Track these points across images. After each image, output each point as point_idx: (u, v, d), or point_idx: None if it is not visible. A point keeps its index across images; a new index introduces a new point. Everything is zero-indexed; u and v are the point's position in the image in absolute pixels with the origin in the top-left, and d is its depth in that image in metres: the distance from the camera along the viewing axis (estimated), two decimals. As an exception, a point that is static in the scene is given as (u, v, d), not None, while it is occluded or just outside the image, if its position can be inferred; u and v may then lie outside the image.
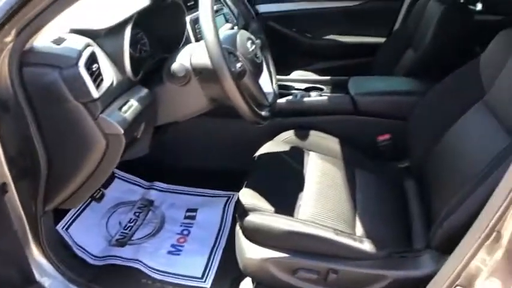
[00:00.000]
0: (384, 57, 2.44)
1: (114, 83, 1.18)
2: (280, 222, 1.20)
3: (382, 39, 2.71)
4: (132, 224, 1.73)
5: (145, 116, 1.30)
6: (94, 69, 1.09)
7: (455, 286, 0.85)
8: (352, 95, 1.80)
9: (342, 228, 1.23)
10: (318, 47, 2.82)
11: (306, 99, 1.82)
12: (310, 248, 1.19)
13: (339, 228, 1.23)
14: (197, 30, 1.80)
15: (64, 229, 1.61)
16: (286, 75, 2.36)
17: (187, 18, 1.71)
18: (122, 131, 1.13)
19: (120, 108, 1.17)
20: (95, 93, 1.06)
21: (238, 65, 1.29)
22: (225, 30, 1.59)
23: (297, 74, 2.47)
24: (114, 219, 1.75)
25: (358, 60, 2.77)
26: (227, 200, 1.89)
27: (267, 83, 1.54)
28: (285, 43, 2.83)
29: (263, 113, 1.36)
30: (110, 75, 1.17)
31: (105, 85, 1.13)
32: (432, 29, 1.93)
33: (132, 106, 1.22)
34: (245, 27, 1.62)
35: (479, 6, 2.50)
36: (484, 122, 1.25)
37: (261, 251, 1.18)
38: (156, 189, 1.93)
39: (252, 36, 1.45)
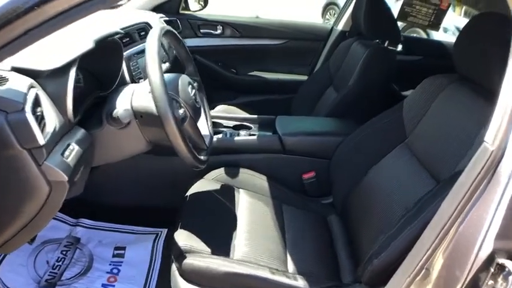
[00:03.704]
0: (306, 95, 2.59)
1: (57, 126, 1.15)
2: (218, 264, 1.25)
3: (303, 77, 2.91)
4: (60, 263, 1.68)
5: (84, 159, 1.29)
6: (38, 113, 1.06)
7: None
8: (280, 135, 1.90)
9: (275, 266, 1.31)
10: (242, 82, 2.93)
11: (236, 138, 1.90)
12: (247, 287, 1.24)
13: (273, 266, 1.30)
14: (132, 68, 1.81)
15: (-8, 271, 1.52)
16: (211, 108, 2.42)
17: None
18: (67, 178, 1.11)
19: (62, 153, 1.14)
20: (41, 140, 1.03)
21: (181, 111, 1.33)
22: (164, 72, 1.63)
23: (221, 109, 2.55)
24: (41, 258, 1.69)
25: (280, 96, 2.93)
26: (156, 237, 1.90)
27: (203, 125, 1.59)
28: (211, 77, 2.90)
29: (202, 157, 1.40)
30: (52, 118, 1.14)
31: (49, 130, 1.10)
32: (357, 70, 2.09)
33: (73, 150, 1.19)
34: (181, 68, 1.66)
35: (399, 47, 2.75)
36: (407, 163, 1.34)
37: None
38: (83, 226, 1.88)
39: (191, 80, 1.50)
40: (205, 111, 1.65)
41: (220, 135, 1.91)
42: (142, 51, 1.84)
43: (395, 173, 1.37)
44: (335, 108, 2.16)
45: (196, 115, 1.44)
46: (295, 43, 2.90)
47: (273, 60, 2.97)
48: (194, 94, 1.45)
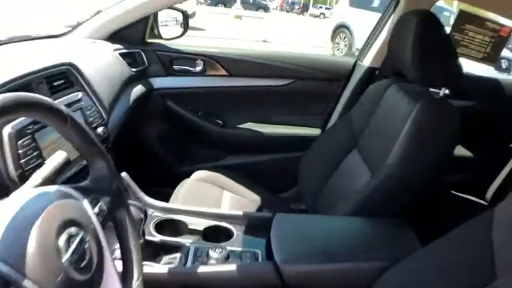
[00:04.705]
0: (318, 159, 1.75)
1: None
2: None
3: (315, 132, 2.12)
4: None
5: None
6: None
7: None
8: (277, 263, 1.09)
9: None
10: (231, 138, 2.13)
11: (200, 269, 1.09)
12: None
13: None
14: (21, 151, 1.01)
15: None
16: (186, 174, 1.76)
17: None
18: None
19: None
20: None
21: None
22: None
23: (200, 176, 1.80)
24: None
25: (282, 157, 2.13)
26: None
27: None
28: (188, 130, 2.12)
29: None
30: None
31: None
32: (403, 138, 1.24)
33: None
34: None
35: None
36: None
37: None
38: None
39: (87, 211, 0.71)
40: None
41: (173, 264, 1.12)
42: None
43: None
44: (365, 200, 1.30)
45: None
46: (305, 84, 2.10)
47: (274, 108, 2.18)
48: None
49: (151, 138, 2.10)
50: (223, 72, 2.05)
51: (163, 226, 1.30)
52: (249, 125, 2.15)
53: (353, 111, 1.63)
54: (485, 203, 2.21)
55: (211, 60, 2.04)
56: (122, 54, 1.79)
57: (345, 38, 10.30)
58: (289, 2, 31.25)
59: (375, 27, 2.05)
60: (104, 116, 1.39)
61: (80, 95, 1.30)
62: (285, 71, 2.06)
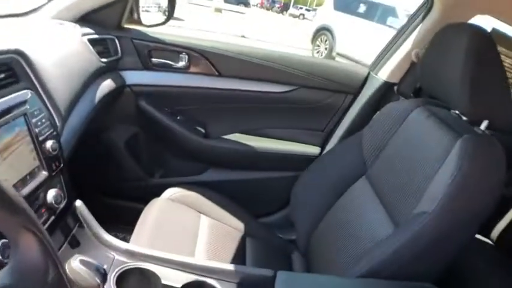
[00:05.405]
0: (318, 183, 1.46)
1: None
2: None
3: (314, 150, 1.83)
4: None
5: None
6: None
7: None
8: None
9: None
10: (214, 150, 1.78)
11: None
12: None
13: None
14: None
15: None
16: (161, 188, 1.53)
17: None
18: None
19: None
20: None
21: None
22: None
23: (174, 193, 1.53)
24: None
25: (274, 176, 1.81)
26: None
27: None
28: (162, 137, 1.77)
29: None
30: None
31: None
32: (445, 190, 0.95)
33: None
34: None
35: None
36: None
37: None
38: None
39: None
40: None
41: None
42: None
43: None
44: (387, 261, 0.98)
45: None
46: (306, 93, 1.77)
47: (267, 119, 1.84)
48: None
49: (119, 144, 1.74)
50: (212, 70, 1.70)
51: (127, 277, 0.96)
52: (236, 137, 1.81)
53: (365, 131, 1.36)
54: (491, 242, 1.99)
55: (199, 55, 1.68)
56: (91, 41, 1.42)
57: (326, 41, 10.18)
58: (270, 0, 31.16)
59: (395, 36, 1.74)
60: (58, 122, 1.03)
61: (27, 94, 0.94)
62: (285, 76, 1.73)
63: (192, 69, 1.69)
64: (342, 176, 1.35)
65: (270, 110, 1.80)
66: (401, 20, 8.60)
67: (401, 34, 1.70)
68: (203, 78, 1.71)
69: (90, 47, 1.40)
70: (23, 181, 0.87)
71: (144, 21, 1.70)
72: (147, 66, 1.67)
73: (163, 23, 1.71)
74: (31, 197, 0.89)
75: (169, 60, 1.69)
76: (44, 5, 1.40)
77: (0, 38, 1.01)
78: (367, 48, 9.02)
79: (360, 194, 1.28)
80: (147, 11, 1.82)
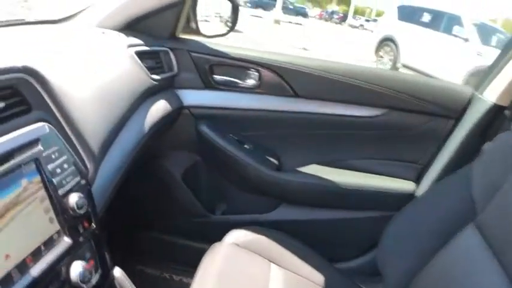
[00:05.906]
0: (416, 229, 1.18)
1: None
2: None
3: (407, 186, 1.51)
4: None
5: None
6: None
7: None
8: None
9: None
10: (290, 186, 1.48)
11: None
12: None
13: None
14: None
15: None
16: (211, 230, 1.32)
17: None
18: None
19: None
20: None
21: None
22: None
23: (239, 241, 1.32)
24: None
25: (353, 214, 1.55)
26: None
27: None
28: (226, 168, 1.52)
29: None
30: None
31: None
32: None
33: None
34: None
35: None
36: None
37: None
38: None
39: None
40: None
41: None
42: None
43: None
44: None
45: None
46: (398, 117, 1.44)
47: (352, 148, 1.52)
48: None
49: (175, 175, 1.50)
50: (287, 90, 1.41)
51: None
52: (314, 169, 1.50)
53: (475, 166, 1.09)
54: None
55: (271, 72, 1.40)
56: (140, 53, 1.17)
57: (390, 51, 9.88)
58: (329, 11, 31.14)
59: (503, 51, 1.38)
60: (88, 166, 0.75)
61: (42, 129, 0.67)
62: (374, 97, 1.41)
63: (263, 88, 1.42)
64: (444, 222, 1.11)
65: (355, 137, 1.49)
66: (467, 30, 8.15)
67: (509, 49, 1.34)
68: (276, 99, 1.43)
69: (139, 60, 1.15)
70: (36, 255, 0.61)
71: (203, 31, 1.45)
72: (209, 85, 1.42)
73: (226, 34, 1.47)
74: (47, 276, 0.63)
75: (234, 77, 1.43)
76: (83, 10, 1.17)
77: (7, 52, 0.75)
78: (434, 59, 8.68)
79: (468, 247, 1.05)
80: (206, 20, 1.58)
